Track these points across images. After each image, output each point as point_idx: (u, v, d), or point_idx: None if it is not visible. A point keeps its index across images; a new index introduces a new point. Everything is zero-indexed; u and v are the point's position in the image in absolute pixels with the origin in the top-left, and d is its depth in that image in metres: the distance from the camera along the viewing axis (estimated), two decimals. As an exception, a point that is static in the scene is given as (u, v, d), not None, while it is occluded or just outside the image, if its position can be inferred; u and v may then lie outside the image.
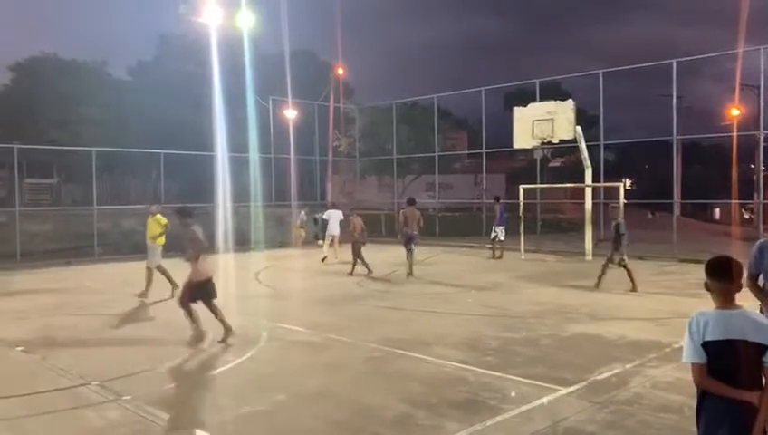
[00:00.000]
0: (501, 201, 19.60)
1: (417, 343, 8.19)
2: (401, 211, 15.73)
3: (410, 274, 14.70)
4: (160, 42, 38.24)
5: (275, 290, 13.66)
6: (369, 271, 15.03)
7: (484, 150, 24.22)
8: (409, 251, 14.80)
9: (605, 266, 12.73)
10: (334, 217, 18.32)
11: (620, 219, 12.73)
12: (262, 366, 7.42)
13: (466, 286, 13.59)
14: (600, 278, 12.69)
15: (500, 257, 18.62)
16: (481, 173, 26.58)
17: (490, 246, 19.07)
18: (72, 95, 32.69)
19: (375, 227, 27.03)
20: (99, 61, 37.80)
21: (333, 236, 18.25)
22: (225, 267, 16.82)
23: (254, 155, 24.15)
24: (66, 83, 33.16)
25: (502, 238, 18.79)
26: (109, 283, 14.80)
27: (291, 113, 28.79)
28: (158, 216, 12.32)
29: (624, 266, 12.53)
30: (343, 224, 18.13)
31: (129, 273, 16.34)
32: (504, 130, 21.74)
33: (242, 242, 21.47)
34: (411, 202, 15.22)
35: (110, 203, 21.33)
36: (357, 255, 15.20)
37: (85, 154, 20.82)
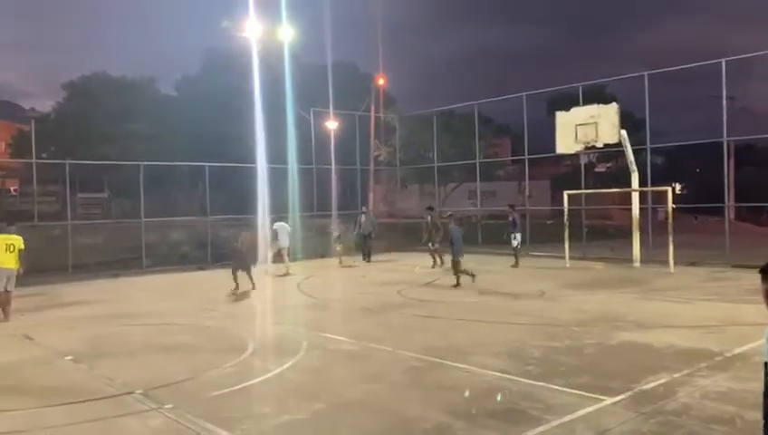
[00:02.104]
0: (515, 208, 19.36)
1: (456, 353, 8.08)
2: (436, 221, 15.69)
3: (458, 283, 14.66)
4: (205, 57, 39.15)
5: (316, 299, 13.71)
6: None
7: (526, 156, 23.90)
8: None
9: None
10: (281, 229, 18.30)
11: None
12: (302, 375, 7.43)
13: (508, 294, 13.39)
14: None
15: (513, 266, 18.25)
16: (524, 180, 26.22)
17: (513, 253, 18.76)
18: (122, 111, 33.75)
19: (417, 235, 26.96)
20: (147, 77, 38.90)
21: (282, 249, 18.18)
22: (266, 277, 17.08)
23: (293, 166, 24.39)
24: (116, 100, 34.25)
25: (514, 245, 18.54)
26: (155, 294, 15.12)
27: (332, 124, 29.03)
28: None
29: None
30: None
31: (176, 284, 16.72)
32: (547, 135, 21.40)
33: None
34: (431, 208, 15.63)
35: (157, 216, 21.81)
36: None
37: (134, 168, 21.39)
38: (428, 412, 5.88)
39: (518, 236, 18.61)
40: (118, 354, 8.72)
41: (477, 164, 26.03)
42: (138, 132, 33.24)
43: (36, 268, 15.27)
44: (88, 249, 19.34)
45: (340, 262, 20.29)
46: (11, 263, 11.12)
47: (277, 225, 18.57)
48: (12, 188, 35.73)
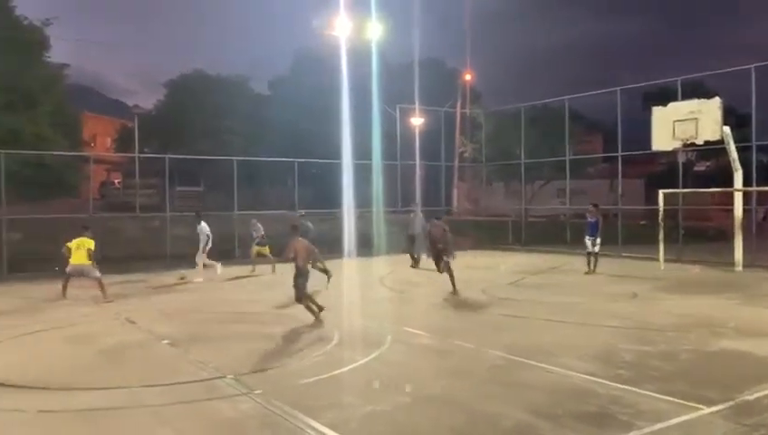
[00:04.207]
0: (599, 208, 17.29)
1: (541, 353, 7.90)
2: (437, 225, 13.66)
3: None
4: (296, 56, 40.17)
5: (400, 294, 13.79)
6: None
7: (620, 154, 22.98)
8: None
9: None
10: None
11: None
12: (386, 367, 7.51)
13: (598, 296, 12.95)
14: None
15: (588, 272, 16.54)
16: (616, 178, 25.24)
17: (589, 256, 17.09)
18: (217, 109, 35.22)
19: (502, 234, 26.59)
20: (242, 76, 40.38)
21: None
22: (350, 271, 17.35)
23: (377, 161, 24.58)
24: (212, 98, 35.77)
25: (590, 249, 16.72)
26: (246, 284, 15.70)
27: (417, 120, 29.06)
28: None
29: None
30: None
31: (266, 274, 17.28)
32: (641, 131, 20.50)
33: (367, 246, 21.94)
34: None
35: (249, 209, 22.60)
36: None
37: (228, 163, 22.26)
38: (511, 411, 5.78)
39: (598, 239, 16.62)
40: (211, 340, 9.12)
41: (567, 161, 25.30)
42: (232, 129, 34.61)
43: (138, 257, 16.24)
44: (184, 239, 20.29)
45: (253, 269, 17.47)
46: (83, 259, 12.76)
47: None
48: (116, 181, 37.99)
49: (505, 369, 7.33)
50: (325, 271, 12.31)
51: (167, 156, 21.65)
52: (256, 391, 6.44)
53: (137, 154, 24.87)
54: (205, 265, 16.22)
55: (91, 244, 12.96)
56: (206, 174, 31.21)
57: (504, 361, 7.65)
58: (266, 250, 17.30)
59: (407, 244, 19.31)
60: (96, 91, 53.89)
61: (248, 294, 13.93)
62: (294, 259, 10.12)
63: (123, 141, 39.86)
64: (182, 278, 16.01)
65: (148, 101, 43.80)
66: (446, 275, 13.16)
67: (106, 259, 17.94)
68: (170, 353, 8.43)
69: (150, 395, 6.41)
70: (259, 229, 17.45)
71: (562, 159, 25.65)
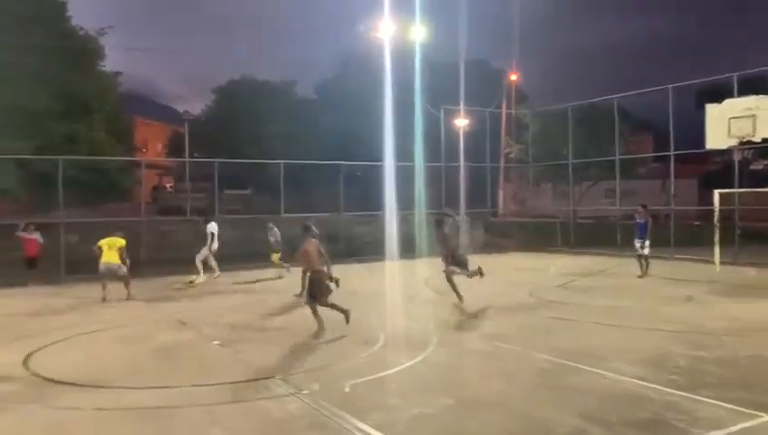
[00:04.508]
0: (646, 207, 16.56)
1: (591, 357, 7.73)
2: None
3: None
4: (341, 60, 40.51)
5: (444, 296, 13.70)
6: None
7: (672, 153, 22.34)
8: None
9: None
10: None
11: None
12: (431, 370, 7.48)
13: (650, 298, 12.61)
14: None
15: (641, 275, 15.96)
16: (668, 178, 24.55)
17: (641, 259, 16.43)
18: (264, 114, 35.83)
19: (549, 235, 26.18)
20: (288, 81, 40.98)
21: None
22: (393, 273, 17.35)
23: (419, 163, 24.50)
24: (259, 103, 36.41)
25: (639, 252, 16.12)
26: (292, 285, 15.86)
27: (462, 121, 28.89)
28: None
29: None
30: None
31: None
32: (694, 130, 19.91)
33: (410, 249, 21.92)
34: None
35: (295, 212, 22.86)
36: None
37: (274, 167, 22.58)
38: (562, 416, 5.68)
39: (647, 241, 16.04)
40: (258, 341, 9.26)
41: (617, 161, 24.74)
42: (278, 133, 35.15)
43: (188, 259, 16.61)
44: (231, 242, 20.66)
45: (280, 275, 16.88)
46: (114, 258, 13.31)
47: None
48: (168, 185, 39.03)
49: (554, 373, 7.20)
50: (331, 277, 10.36)
51: (216, 160, 22.10)
52: (304, 392, 6.51)
53: (187, 159, 25.50)
54: (207, 265, 16.38)
55: (121, 243, 13.40)
56: (254, 177, 31.77)
57: (553, 364, 7.53)
58: (275, 257, 17.01)
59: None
60: (148, 98, 55.46)
61: (291, 296, 14.05)
62: (307, 262, 9.96)
63: (174, 146, 40.96)
64: (190, 282, 15.97)
65: (197, 106, 44.79)
66: (487, 279, 12.93)
67: (157, 261, 18.51)
68: (220, 353, 8.59)
69: (202, 394, 6.55)
70: (276, 234, 17.06)
71: (612, 158, 25.09)
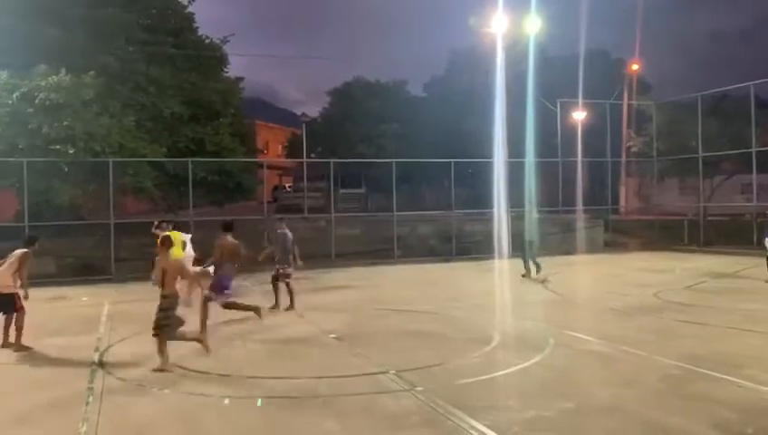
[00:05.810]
0: None
1: (724, 364, 7.19)
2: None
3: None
4: (451, 56, 40.29)
5: (562, 297, 13.28)
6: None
7: (818, 143, 20.31)
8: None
9: None
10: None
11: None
12: (548, 372, 7.27)
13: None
14: None
15: None
16: (814, 171, 22.32)
17: None
18: (376, 113, 36.42)
19: (676, 234, 24.64)
20: (399, 80, 41.38)
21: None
22: (504, 272, 17.03)
23: (530, 159, 23.76)
24: (372, 103, 37.07)
25: None
26: (407, 283, 16.02)
27: (579, 115, 27.82)
28: None
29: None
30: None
31: (424, 274, 17.53)
32: None
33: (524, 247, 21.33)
34: None
35: (407, 210, 23.05)
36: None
37: (387, 166, 22.89)
38: (692, 426, 5.33)
39: None
40: (374, 336, 9.44)
41: (754, 153, 22.80)
42: (390, 132, 35.60)
43: (306, 256, 17.22)
44: (348, 239, 21.20)
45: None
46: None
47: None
48: (287, 185, 40.65)
49: (682, 380, 6.76)
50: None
51: (331, 160, 22.75)
52: (418, 388, 6.55)
53: (305, 159, 26.43)
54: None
55: (181, 237, 13.20)
56: (367, 176, 32.36)
57: (681, 370, 7.07)
58: None
59: (521, 250, 16.75)
60: (268, 102, 58.06)
61: (407, 292, 14.16)
62: (218, 259, 9.52)
63: (293, 148, 42.57)
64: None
65: (314, 109, 46.38)
66: (609, 279, 12.37)
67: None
68: (337, 347, 8.83)
69: (321, 387, 6.76)
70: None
71: (748, 150, 23.16)
